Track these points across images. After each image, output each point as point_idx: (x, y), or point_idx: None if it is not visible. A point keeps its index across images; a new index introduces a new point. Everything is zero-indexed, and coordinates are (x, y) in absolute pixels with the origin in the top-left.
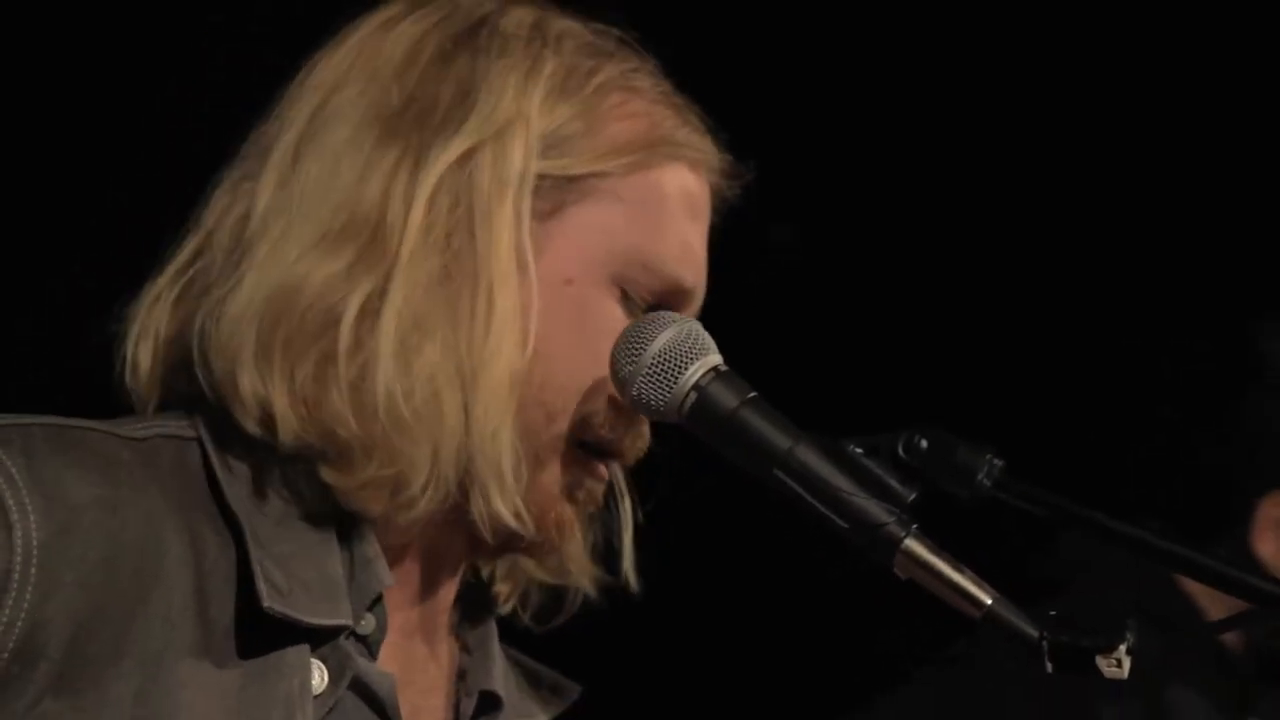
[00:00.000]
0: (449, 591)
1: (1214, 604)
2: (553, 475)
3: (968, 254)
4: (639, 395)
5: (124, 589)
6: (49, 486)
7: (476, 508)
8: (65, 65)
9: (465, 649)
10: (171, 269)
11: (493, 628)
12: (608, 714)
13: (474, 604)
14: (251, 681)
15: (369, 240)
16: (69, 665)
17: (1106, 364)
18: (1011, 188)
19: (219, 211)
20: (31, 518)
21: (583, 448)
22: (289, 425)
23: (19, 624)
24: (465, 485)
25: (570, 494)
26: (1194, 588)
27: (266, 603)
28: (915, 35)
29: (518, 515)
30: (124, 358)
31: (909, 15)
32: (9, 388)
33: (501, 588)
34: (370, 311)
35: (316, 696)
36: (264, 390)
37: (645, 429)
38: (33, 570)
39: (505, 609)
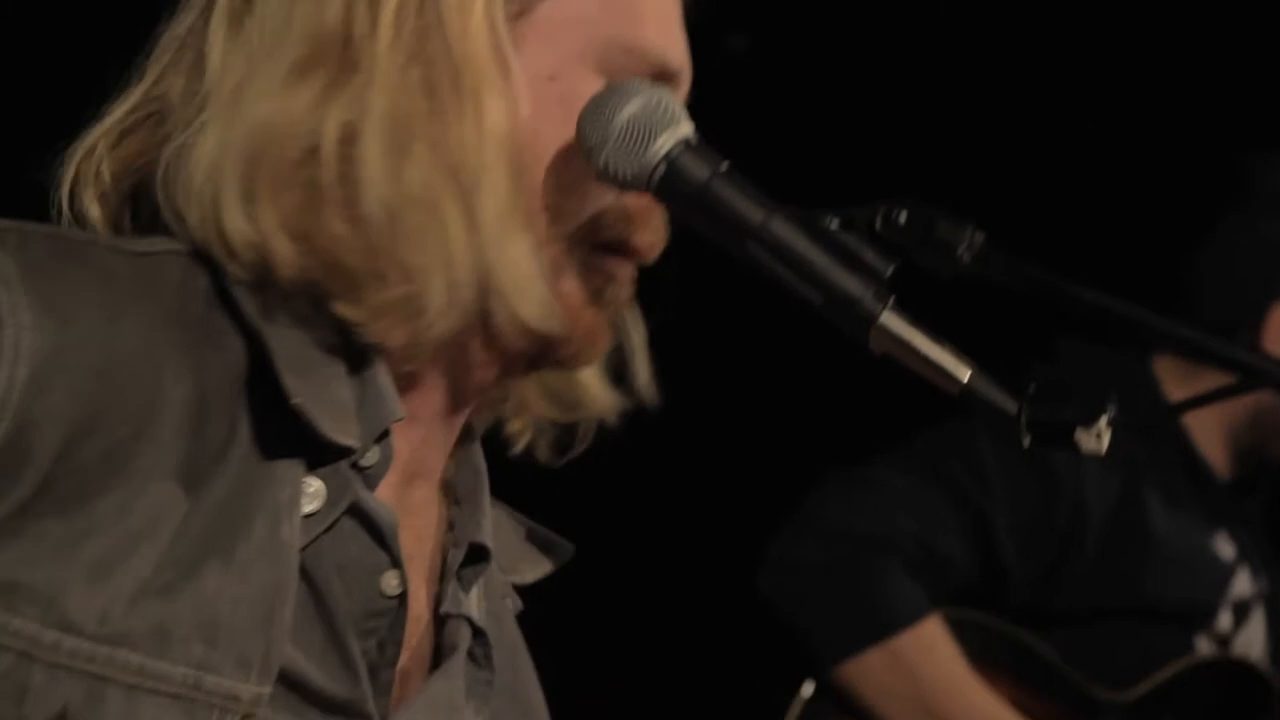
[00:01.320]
0: (452, 433)
1: (1182, 391)
2: (575, 281)
3: (958, 29)
4: (606, 165)
5: (117, 402)
6: (45, 290)
7: (501, 319)
8: (65, 65)
9: (455, 500)
10: (115, 116)
11: (484, 479)
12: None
13: (467, 454)
14: (240, 490)
15: (337, 62)
16: (56, 474)
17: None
18: None
19: (166, 60)
20: (24, 317)
21: (598, 249)
22: (289, 261)
23: (3, 422)
24: (485, 299)
25: (597, 299)
26: (1166, 378)
27: (295, 399)
28: None
29: (547, 316)
30: (65, 204)
31: None
32: None
33: (514, 427)
34: (353, 130)
35: (313, 515)
36: (253, 232)
37: (659, 222)
38: (21, 370)
39: (519, 448)
